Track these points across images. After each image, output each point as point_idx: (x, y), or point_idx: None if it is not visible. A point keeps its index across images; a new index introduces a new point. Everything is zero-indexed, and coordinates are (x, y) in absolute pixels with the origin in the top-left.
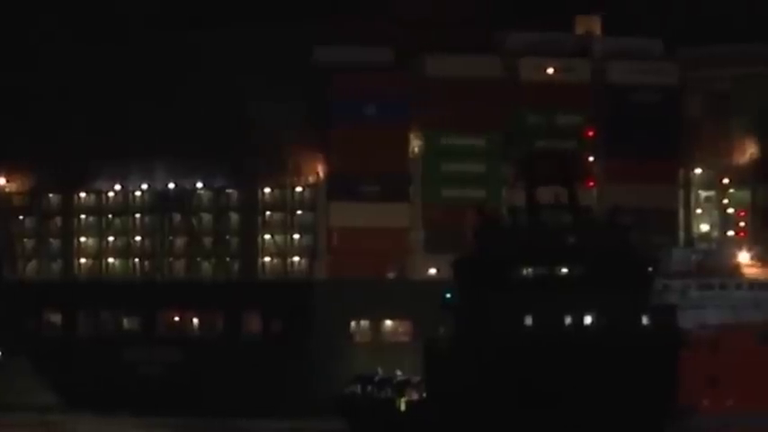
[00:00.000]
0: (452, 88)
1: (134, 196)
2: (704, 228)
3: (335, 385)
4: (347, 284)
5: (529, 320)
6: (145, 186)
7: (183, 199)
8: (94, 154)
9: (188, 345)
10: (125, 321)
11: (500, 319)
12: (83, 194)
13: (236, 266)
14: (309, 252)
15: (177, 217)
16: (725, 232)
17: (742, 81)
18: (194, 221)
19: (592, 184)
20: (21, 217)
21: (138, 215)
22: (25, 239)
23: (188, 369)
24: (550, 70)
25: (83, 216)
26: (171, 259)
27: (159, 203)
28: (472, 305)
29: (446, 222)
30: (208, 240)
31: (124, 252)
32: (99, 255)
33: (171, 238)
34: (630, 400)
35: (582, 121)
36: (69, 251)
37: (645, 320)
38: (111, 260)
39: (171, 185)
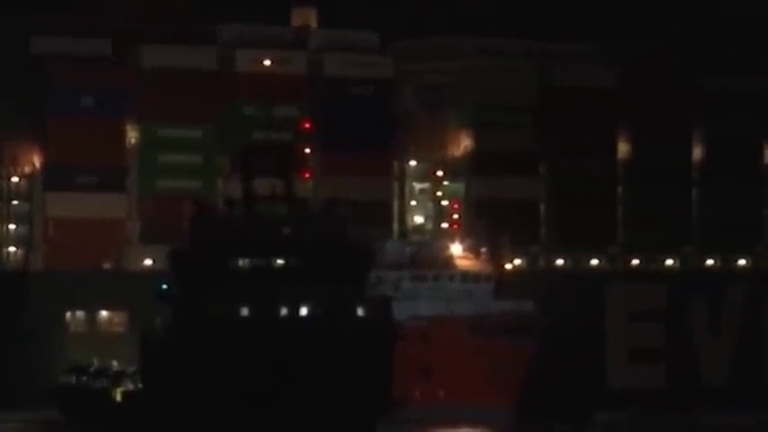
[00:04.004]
0: (168, 80)
1: None
2: (418, 220)
3: (51, 376)
4: (62, 275)
5: (245, 311)
6: None
7: None
8: None
9: None
10: None
11: (216, 309)
12: None
13: None
14: (25, 242)
15: None
16: (439, 224)
17: (456, 75)
18: None
19: (308, 175)
20: None
21: None
22: None
23: None
24: (267, 62)
25: None
26: None
27: None
28: (188, 296)
29: (162, 213)
30: None
31: None
32: None
33: None
34: (344, 391)
35: (298, 112)
36: None
37: (360, 311)
38: None
39: None
